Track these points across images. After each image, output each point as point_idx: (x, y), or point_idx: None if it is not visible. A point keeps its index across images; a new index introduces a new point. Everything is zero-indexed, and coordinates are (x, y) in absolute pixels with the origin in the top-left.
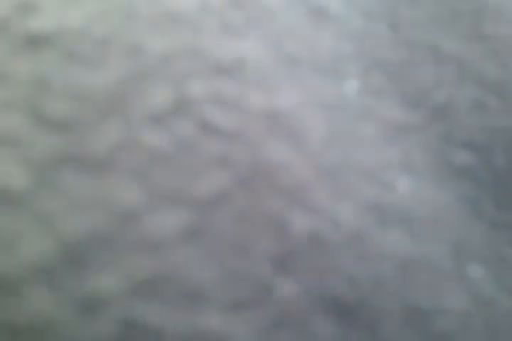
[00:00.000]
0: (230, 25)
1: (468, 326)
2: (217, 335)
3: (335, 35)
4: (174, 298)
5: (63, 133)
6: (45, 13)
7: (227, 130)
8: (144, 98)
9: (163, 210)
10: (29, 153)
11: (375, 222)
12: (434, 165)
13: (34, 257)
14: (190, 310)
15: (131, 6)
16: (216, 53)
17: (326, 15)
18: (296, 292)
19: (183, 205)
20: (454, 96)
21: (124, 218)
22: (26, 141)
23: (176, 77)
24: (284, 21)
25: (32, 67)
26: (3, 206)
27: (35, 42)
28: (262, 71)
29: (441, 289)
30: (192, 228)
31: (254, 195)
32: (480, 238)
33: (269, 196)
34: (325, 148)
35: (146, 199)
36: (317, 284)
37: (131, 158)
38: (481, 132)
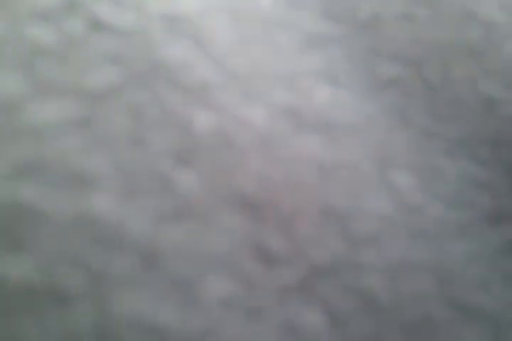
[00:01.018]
0: None
1: (390, 231)
2: (109, 220)
3: None
4: (60, 181)
5: None
6: None
7: (122, 29)
8: None
9: (49, 101)
10: None
11: (290, 126)
12: (359, 76)
13: None
14: (78, 193)
15: None
16: None
17: None
18: (199, 186)
19: (71, 97)
20: (381, 9)
21: (7, 106)
22: None
23: None
24: None
25: None
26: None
27: None
28: None
29: (362, 193)
30: (80, 118)
31: (151, 91)
32: (408, 146)
33: (168, 92)
34: (232, 53)
35: (31, 90)
36: (222, 181)
37: (15, 50)
38: (411, 44)
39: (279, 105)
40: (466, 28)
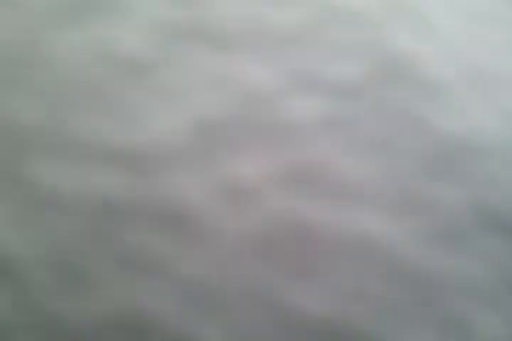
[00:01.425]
0: None
1: None
2: (375, 236)
3: None
4: (322, 192)
5: (188, 7)
6: None
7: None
8: None
9: (297, 96)
10: (147, 23)
11: None
12: None
13: (166, 134)
14: (348, 207)
15: None
16: None
17: None
18: (457, 202)
19: (320, 93)
20: None
21: (257, 100)
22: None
23: None
24: None
25: None
26: (130, 77)
27: None
28: None
29: None
30: (329, 117)
31: (394, 88)
32: None
33: (408, 90)
34: (462, 50)
35: (280, 83)
36: (475, 195)
37: (261, 38)
38: None
39: (508, 110)
40: None
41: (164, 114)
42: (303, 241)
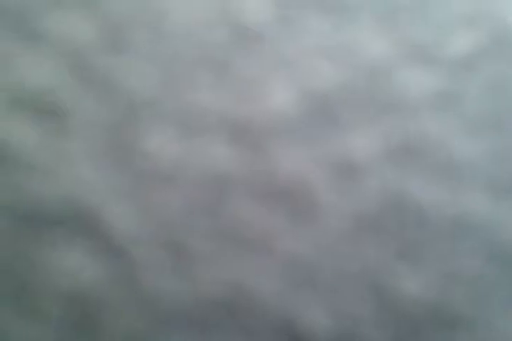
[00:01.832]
0: None
1: None
2: (481, 218)
3: None
4: (431, 170)
5: None
6: None
7: None
8: None
9: (411, 68)
10: None
11: None
12: None
13: (279, 106)
14: (450, 186)
15: None
16: None
17: None
18: None
19: (433, 65)
20: None
21: (371, 72)
22: None
23: None
24: None
25: None
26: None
27: None
28: None
29: None
30: (444, 92)
31: (506, 63)
32: None
33: None
34: None
35: (394, 54)
36: None
37: (377, 7)
38: None
39: None
40: None
41: (276, 85)
42: (409, 221)
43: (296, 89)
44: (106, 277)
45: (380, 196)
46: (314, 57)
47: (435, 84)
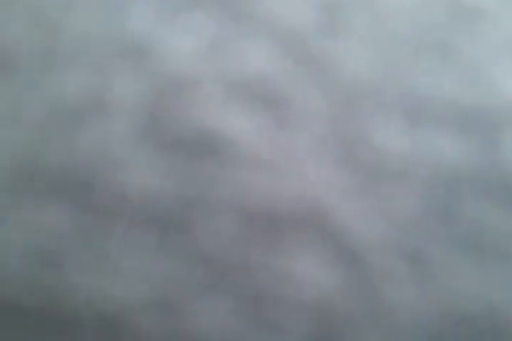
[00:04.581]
0: None
1: None
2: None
3: None
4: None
5: None
6: None
7: None
8: None
9: None
10: None
11: None
12: None
13: None
14: None
15: None
16: None
17: None
18: None
19: None
20: None
21: None
22: None
23: None
24: None
25: None
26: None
27: None
28: None
29: None
30: None
31: None
32: None
33: None
34: None
35: None
36: None
37: None
38: None
39: None
40: None
41: (507, 68)
42: None
43: None
44: (340, 286)
45: None
46: None
47: None
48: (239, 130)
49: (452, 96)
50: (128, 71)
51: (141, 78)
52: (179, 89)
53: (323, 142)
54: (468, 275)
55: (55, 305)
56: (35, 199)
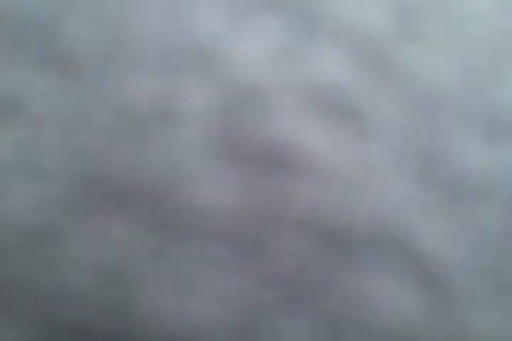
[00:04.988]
0: None
1: None
2: None
3: None
4: None
5: None
6: None
7: None
8: None
9: None
10: None
11: None
12: None
13: None
14: None
15: None
16: None
17: None
18: None
19: None
20: None
21: None
22: None
23: None
24: None
25: None
26: None
27: None
28: None
29: None
30: None
31: None
32: None
33: None
34: None
35: None
36: None
37: None
38: None
39: None
40: None
41: None
42: None
43: None
44: (421, 310)
45: None
46: None
47: None
48: (312, 141)
49: None
50: (195, 77)
51: (209, 85)
52: (249, 97)
53: (400, 155)
54: None
55: (125, 327)
56: (103, 213)
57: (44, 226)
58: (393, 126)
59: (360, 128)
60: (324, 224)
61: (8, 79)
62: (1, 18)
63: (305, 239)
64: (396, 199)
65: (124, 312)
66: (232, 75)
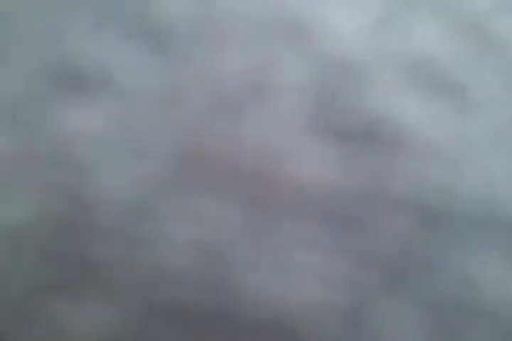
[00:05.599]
0: None
1: None
2: None
3: None
4: None
5: None
6: None
7: None
8: None
9: None
10: None
11: None
12: None
13: None
14: None
15: None
16: None
17: None
18: None
19: None
20: None
21: None
22: None
23: None
24: None
25: None
26: None
27: None
28: None
29: None
30: None
31: None
32: None
33: None
34: None
35: None
36: None
37: None
38: None
39: None
40: None
41: None
42: None
43: None
44: None
45: None
46: None
47: None
48: (411, 117)
49: None
50: (288, 51)
51: (302, 59)
52: (344, 71)
53: (502, 130)
54: None
55: (225, 306)
56: (198, 190)
57: (139, 203)
58: (495, 100)
59: (460, 103)
60: (425, 201)
61: (99, 55)
62: None
63: (406, 216)
64: (498, 175)
65: (225, 291)
66: (326, 49)
